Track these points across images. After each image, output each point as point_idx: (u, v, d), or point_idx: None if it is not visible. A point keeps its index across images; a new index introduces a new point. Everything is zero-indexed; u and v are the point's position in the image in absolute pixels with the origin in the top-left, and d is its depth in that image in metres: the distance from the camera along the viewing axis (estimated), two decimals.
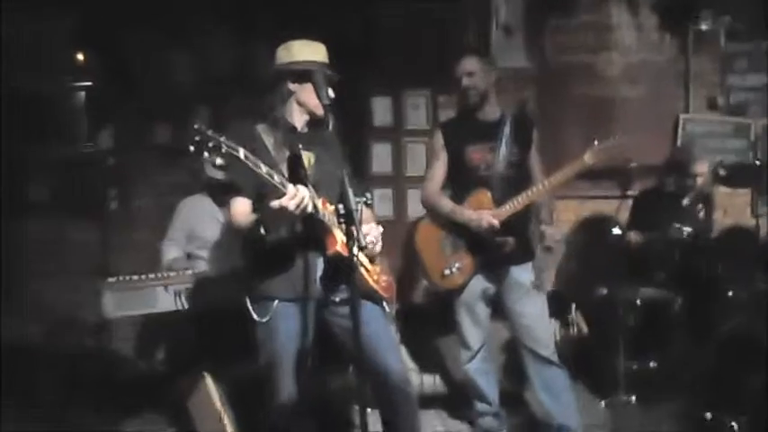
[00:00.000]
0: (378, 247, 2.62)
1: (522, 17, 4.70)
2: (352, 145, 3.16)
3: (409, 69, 4.62)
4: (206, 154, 2.09)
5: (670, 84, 4.80)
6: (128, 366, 4.28)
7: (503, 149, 3.20)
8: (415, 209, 4.27)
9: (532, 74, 4.74)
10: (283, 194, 2.24)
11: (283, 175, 2.36)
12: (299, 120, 2.59)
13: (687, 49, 4.76)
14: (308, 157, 2.53)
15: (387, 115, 4.75)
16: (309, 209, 2.30)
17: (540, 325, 3.24)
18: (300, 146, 2.50)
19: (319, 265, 2.53)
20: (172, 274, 3.40)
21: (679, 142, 4.73)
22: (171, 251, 3.75)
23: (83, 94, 4.65)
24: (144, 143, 4.58)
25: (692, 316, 3.72)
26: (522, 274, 3.23)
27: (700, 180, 3.96)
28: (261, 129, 2.55)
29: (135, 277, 3.31)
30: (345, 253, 2.28)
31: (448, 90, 4.27)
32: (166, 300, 3.27)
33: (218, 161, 2.12)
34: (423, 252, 3.33)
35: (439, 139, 3.32)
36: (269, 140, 2.52)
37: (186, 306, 3.29)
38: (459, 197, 3.27)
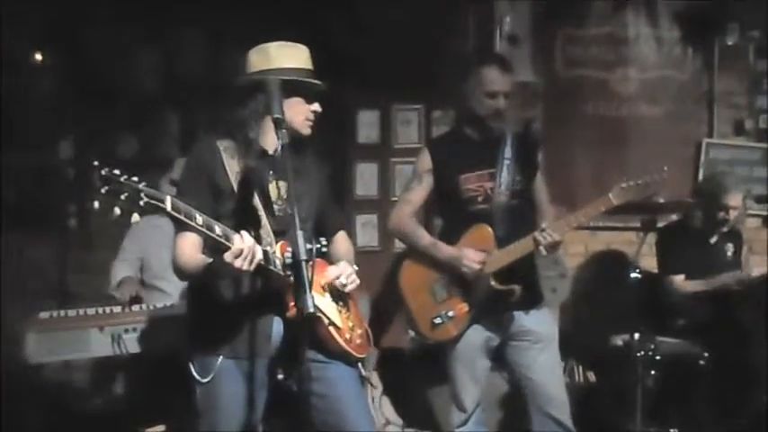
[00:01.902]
0: (351, 287, 2.28)
1: (530, 26, 4.36)
2: (333, 164, 2.88)
3: (400, 80, 4.21)
4: (117, 210, 1.60)
5: (692, 104, 4.44)
6: (80, 401, 3.84)
7: (504, 176, 2.74)
8: None
9: (539, 89, 4.38)
10: (228, 248, 1.86)
11: (241, 214, 2.05)
12: (272, 141, 2.16)
13: (712, 67, 4.40)
14: (277, 189, 2.17)
15: (373, 131, 4.38)
16: (258, 257, 1.91)
17: (553, 381, 2.81)
18: (272, 173, 2.16)
19: (276, 322, 2.15)
20: (116, 309, 2.96)
21: (701, 170, 4.35)
22: (120, 271, 3.39)
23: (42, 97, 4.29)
24: (108, 155, 4.19)
25: (720, 375, 3.25)
26: (530, 320, 2.80)
27: (733, 215, 3.49)
28: (224, 147, 2.13)
29: (71, 313, 2.89)
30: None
31: (444, 104, 4.03)
32: (101, 343, 2.82)
33: (135, 218, 1.64)
34: (409, 297, 2.85)
35: (426, 161, 2.86)
36: (231, 164, 2.11)
37: (128, 351, 2.83)
38: (452, 234, 2.80)
